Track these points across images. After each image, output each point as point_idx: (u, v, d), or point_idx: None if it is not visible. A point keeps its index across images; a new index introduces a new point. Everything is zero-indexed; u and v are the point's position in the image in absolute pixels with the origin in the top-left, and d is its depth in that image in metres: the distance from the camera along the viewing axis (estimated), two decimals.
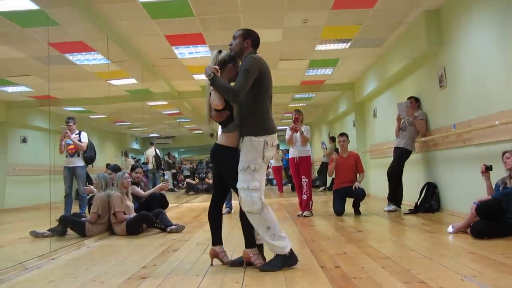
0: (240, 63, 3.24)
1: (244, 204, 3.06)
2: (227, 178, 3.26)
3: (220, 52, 3.28)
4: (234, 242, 4.16)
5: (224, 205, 7.17)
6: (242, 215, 3.17)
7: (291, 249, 3.07)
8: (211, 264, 3.29)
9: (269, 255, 3.15)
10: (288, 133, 6.42)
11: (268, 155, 3.14)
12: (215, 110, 3.15)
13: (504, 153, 4.14)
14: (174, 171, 18.04)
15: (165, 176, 15.29)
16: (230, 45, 3.27)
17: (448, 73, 5.86)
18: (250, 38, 3.23)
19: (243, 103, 3.13)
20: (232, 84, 3.14)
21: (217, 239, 3.33)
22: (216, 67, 3.12)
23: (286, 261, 3.05)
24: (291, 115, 6.67)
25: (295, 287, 2.57)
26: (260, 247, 3.21)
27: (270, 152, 3.15)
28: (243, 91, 3.02)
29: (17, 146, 9.37)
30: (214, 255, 3.30)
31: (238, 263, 3.22)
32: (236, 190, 3.16)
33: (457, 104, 5.65)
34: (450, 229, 4.28)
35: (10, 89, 9.27)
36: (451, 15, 5.73)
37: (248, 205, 3.04)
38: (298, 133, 6.31)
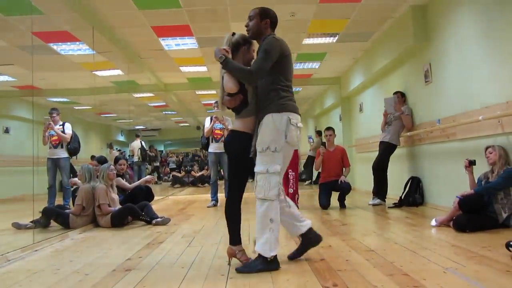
0: (256, 45, 3.02)
1: (260, 190, 2.79)
2: (228, 166, 3.05)
3: (233, 34, 3.02)
4: (219, 235, 4.16)
5: (210, 198, 7.22)
6: (229, 211, 2.98)
7: (275, 256, 2.81)
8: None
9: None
10: None
11: (292, 136, 2.83)
12: (228, 94, 2.90)
13: (486, 148, 4.20)
14: (156, 164, 17.94)
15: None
16: (247, 26, 2.99)
17: (434, 68, 5.92)
18: (268, 18, 2.96)
19: (262, 86, 2.90)
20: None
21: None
22: (226, 47, 2.88)
23: (267, 265, 2.78)
24: None
25: (280, 280, 2.58)
26: (307, 231, 3.06)
27: (294, 133, 2.85)
28: (261, 72, 2.78)
29: None
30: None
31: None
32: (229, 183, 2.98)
33: (441, 99, 5.71)
34: (433, 222, 4.34)
35: None
36: (437, 11, 5.78)
37: (265, 189, 2.77)
38: None
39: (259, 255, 2.82)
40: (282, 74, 2.89)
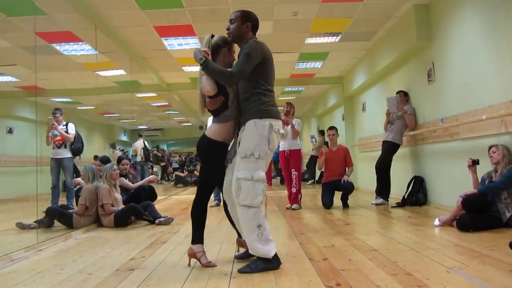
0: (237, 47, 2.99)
1: (245, 197, 2.75)
2: (201, 170, 3.11)
3: (212, 36, 3.03)
4: (222, 235, 4.17)
5: (213, 197, 7.23)
6: (195, 212, 3.07)
7: (275, 253, 2.83)
8: (237, 251, 3.26)
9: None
10: None
11: (274, 143, 2.85)
12: (208, 96, 2.90)
13: (490, 147, 4.19)
14: (163, 164, 17.98)
15: (153, 169, 15.21)
16: (228, 29, 2.99)
17: (437, 67, 5.90)
18: (249, 21, 2.97)
19: (243, 89, 2.90)
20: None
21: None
22: (206, 49, 2.88)
23: (269, 264, 2.79)
24: (281, 108, 6.68)
25: (283, 279, 2.58)
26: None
27: (276, 140, 2.88)
28: (241, 75, 2.78)
29: (3, 136, 9.20)
30: (240, 244, 3.19)
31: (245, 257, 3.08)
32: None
33: (445, 98, 5.70)
34: (436, 222, 4.33)
35: None
36: (440, 9, 5.76)
37: (250, 197, 2.74)
38: (289, 126, 6.32)
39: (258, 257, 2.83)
40: (263, 78, 2.88)
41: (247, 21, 2.97)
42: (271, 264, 2.80)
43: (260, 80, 2.87)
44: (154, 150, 16.72)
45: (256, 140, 2.79)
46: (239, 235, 3.16)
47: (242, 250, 3.21)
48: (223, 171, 3.01)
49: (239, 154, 2.83)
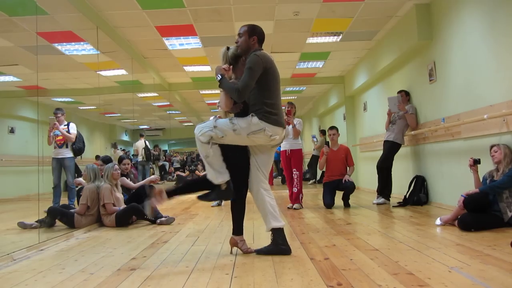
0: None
1: (199, 127, 3.19)
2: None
3: (228, 48, 3.31)
4: (223, 235, 4.17)
5: None
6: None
7: (228, 184, 3.18)
8: (231, 252, 3.36)
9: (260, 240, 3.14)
10: None
11: (255, 139, 3.15)
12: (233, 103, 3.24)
13: (491, 146, 4.18)
14: (161, 163, 17.96)
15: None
16: (237, 42, 3.28)
17: (438, 67, 5.90)
18: (255, 35, 3.25)
19: (252, 102, 3.18)
20: None
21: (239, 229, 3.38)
22: (225, 66, 3.18)
23: (220, 194, 3.21)
24: (282, 107, 6.69)
25: (284, 279, 2.58)
26: (277, 231, 3.24)
27: (260, 140, 3.16)
28: (246, 89, 3.05)
29: (4, 136, 9.23)
30: (234, 243, 3.37)
31: (263, 252, 3.27)
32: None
33: (446, 98, 5.69)
34: (438, 221, 4.33)
35: None
36: (441, 9, 5.75)
37: (201, 130, 3.16)
38: (291, 126, 6.31)
39: (214, 186, 3.21)
40: (266, 90, 3.17)
41: (253, 35, 3.25)
42: (222, 195, 3.23)
43: (264, 92, 3.16)
44: (151, 149, 16.73)
45: (244, 124, 3.12)
46: (234, 233, 3.36)
47: (235, 249, 3.38)
48: (240, 168, 3.30)
49: (232, 118, 3.20)
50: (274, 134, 3.16)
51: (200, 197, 3.26)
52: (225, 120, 3.18)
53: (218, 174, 3.18)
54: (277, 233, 3.24)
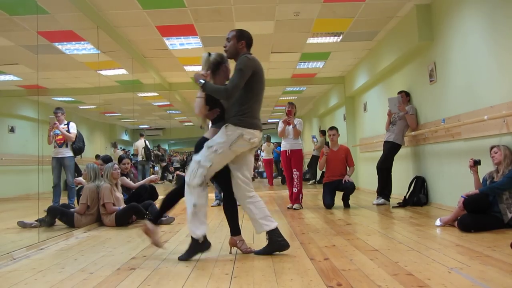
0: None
1: (188, 174, 3.20)
2: None
3: (209, 54, 3.34)
4: (223, 234, 4.17)
5: (214, 197, 7.23)
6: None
7: (204, 238, 3.18)
8: (230, 252, 3.38)
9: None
10: (280, 125, 6.43)
11: (238, 149, 3.17)
12: (208, 109, 3.28)
13: (492, 147, 4.18)
14: (164, 163, 17.97)
15: (155, 168, 15.21)
16: (225, 47, 3.32)
17: (439, 67, 5.90)
18: (244, 39, 3.28)
19: (230, 101, 3.21)
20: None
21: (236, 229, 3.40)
22: (203, 72, 3.22)
23: (196, 247, 3.18)
24: (283, 108, 6.69)
25: (284, 279, 2.59)
26: (271, 231, 3.26)
27: (242, 147, 3.18)
28: (236, 89, 3.09)
29: (4, 135, 9.24)
30: (233, 244, 3.39)
31: (262, 253, 3.27)
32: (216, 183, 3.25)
33: (446, 98, 5.69)
34: (437, 222, 4.33)
35: None
36: (442, 10, 5.75)
37: (190, 176, 3.16)
38: (291, 126, 6.32)
39: (192, 238, 3.19)
40: (250, 92, 3.19)
41: (242, 39, 3.29)
42: (198, 248, 3.19)
43: (248, 93, 3.18)
44: (155, 149, 16.69)
45: (221, 139, 3.15)
46: (232, 234, 3.38)
47: (234, 249, 3.40)
48: (222, 170, 3.28)
49: (207, 142, 3.20)
50: (252, 137, 3.18)
51: (181, 258, 3.19)
52: (202, 151, 3.19)
53: (199, 226, 3.17)
54: (272, 232, 3.26)
